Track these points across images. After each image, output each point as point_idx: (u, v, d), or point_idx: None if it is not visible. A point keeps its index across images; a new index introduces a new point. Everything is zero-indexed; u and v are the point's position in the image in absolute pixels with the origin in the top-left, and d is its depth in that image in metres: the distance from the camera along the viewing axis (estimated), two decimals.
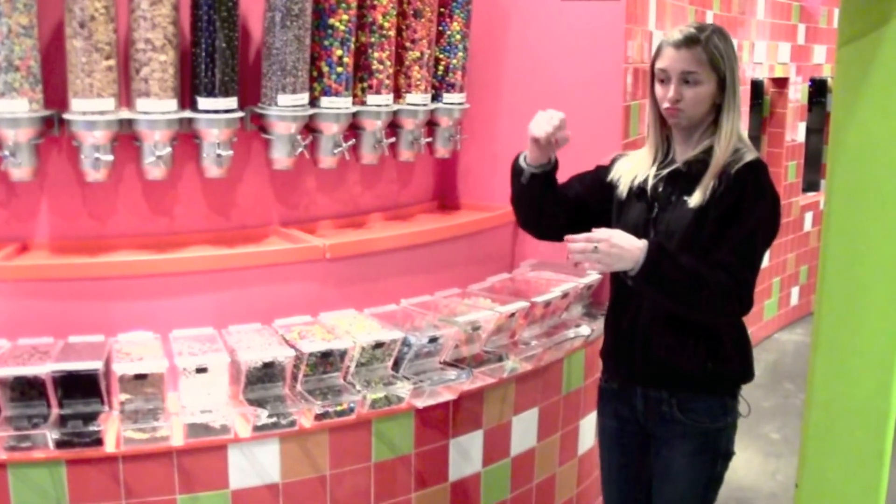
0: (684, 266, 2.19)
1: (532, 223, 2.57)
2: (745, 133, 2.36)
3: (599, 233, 2.18)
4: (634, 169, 2.43)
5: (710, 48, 2.26)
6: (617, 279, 2.43)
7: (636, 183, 2.40)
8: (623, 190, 2.43)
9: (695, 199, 2.26)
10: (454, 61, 3.37)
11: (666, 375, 2.36)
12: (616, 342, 2.49)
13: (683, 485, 2.40)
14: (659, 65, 2.32)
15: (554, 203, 2.47)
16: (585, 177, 2.57)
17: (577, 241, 2.18)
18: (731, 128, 2.28)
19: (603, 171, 2.54)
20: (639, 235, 2.28)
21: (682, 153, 2.37)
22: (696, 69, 2.26)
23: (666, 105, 2.31)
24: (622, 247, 2.16)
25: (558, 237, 2.39)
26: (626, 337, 2.43)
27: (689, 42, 2.27)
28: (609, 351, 2.54)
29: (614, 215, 2.45)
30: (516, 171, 2.47)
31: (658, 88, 2.33)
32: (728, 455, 2.42)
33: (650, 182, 2.38)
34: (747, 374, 2.41)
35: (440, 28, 3.33)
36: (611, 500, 2.61)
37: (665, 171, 2.37)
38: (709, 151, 2.30)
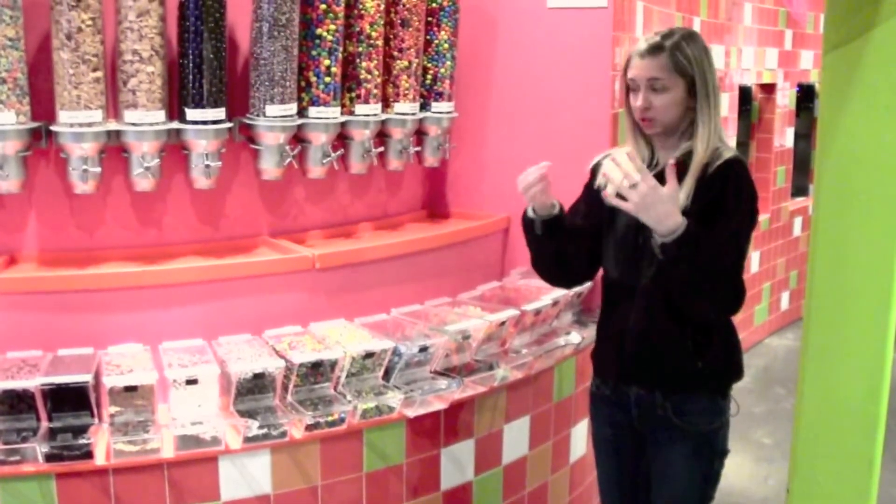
0: (712, 245, 2.19)
1: (560, 277, 2.61)
2: (725, 135, 2.38)
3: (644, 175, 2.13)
4: None
5: (674, 54, 2.28)
6: (608, 280, 2.46)
7: None
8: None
9: (679, 202, 2.26)
10: (442, 70, 3.37)
11: (656, 373, 2.37)
12: (607, 341, 2.50)
13: (682, 485, 2.42)
14: (629, 75, 2.36)
15: (573, 244, 2.48)
16: (578, 207, 2.55)
17: (619, 168, 2.13)
18: (710, 129, 2.30)
19: (587, 187, 2.54)
20: (630, 239, 2.29)
21: (665, 157, 2.38)
22: (660, 76, 2.29)
23: (637, 114, 2.34)
24: (662, 196, 2.11)
25: (589, 277, 2.57)
26: (616, 336, 2.43)
27: (652, 51, 2.30)
28: (600, 351, 2.55)
29: (605, 220, 2.45)
30: (528, 224, 2.46)
31: (631, 98, 2.37)
32: (724, 453, 2.43)
33: None
34: (737, 373, 2.42)
35: (428, 37, 3.34)
36: None
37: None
38: (690, 154, 2.32)
